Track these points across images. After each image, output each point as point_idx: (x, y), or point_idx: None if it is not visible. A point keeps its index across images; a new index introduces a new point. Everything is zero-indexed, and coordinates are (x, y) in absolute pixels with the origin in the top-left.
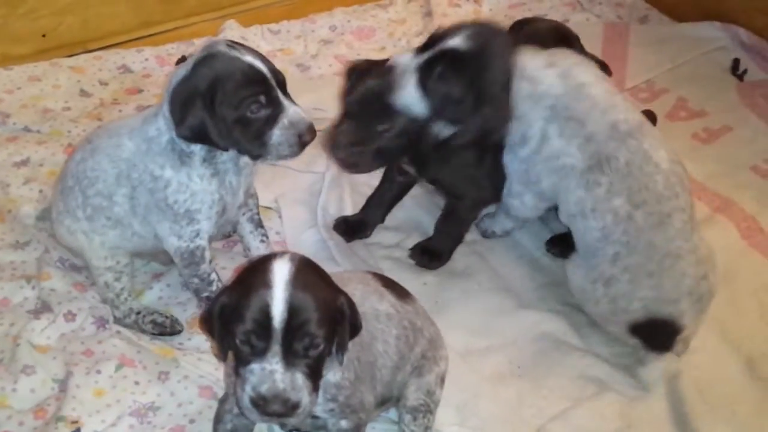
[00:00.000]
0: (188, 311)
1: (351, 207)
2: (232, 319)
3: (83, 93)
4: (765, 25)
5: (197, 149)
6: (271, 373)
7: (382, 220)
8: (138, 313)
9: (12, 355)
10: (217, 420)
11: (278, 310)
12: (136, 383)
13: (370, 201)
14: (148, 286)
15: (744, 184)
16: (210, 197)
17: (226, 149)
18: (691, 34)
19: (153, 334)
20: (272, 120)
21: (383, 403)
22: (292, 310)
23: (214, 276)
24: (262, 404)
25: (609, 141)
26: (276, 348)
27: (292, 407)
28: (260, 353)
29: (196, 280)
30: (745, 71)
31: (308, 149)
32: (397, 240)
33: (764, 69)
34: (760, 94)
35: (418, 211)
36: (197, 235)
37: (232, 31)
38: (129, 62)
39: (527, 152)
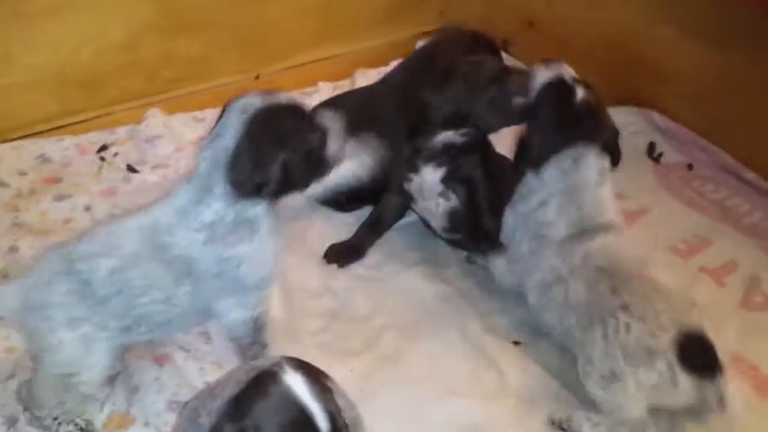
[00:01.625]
0: (105, 411)
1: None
2: None
3: (0, 183)
4: (677, 109)
5: (259, 208)
6: None
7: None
8: (55, 418)
9: None
10: None
11: (324, 425)
12: None
13: (365, 224)
14: None
15: (663, 263)
16: (272, 255)
17: (306, 187)
18: None
19: None
20: (324, 137)
21: None
22: (331, 420)
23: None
24: None
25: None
26: None
27: None
28: None
29: (256, 347)
30: (660, 154)
31: None
32: (323, 325)
33: (679, 151)
34: (677, 176)
35: (347, 295)
36: (262, 301)
37: (155, 119)
38: (48, 151)
39: (525, 209)
